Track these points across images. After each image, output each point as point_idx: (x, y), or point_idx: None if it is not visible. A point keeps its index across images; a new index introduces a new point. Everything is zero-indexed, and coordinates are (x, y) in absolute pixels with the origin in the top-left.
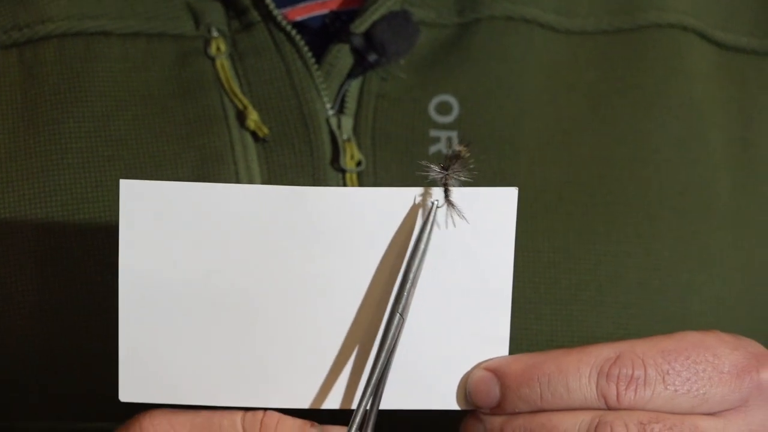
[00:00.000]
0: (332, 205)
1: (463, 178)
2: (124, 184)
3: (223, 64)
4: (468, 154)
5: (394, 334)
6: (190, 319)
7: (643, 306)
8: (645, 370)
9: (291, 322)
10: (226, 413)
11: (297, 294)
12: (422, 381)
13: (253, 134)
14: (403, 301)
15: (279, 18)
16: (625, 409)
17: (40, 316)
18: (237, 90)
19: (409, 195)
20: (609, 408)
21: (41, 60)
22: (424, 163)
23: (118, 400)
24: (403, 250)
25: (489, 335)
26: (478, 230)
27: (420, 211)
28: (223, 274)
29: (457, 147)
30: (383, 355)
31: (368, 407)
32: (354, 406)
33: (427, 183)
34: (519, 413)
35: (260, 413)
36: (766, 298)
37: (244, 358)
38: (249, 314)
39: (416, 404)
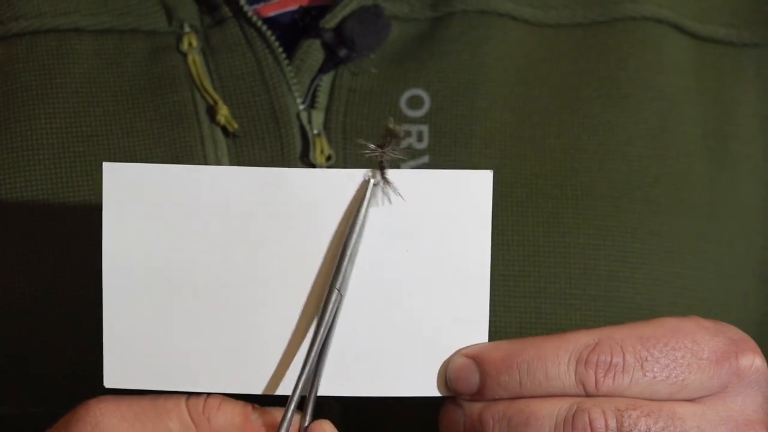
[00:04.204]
0: (308, 185)
1: (398, 156)
2: (107, 166)
3: (195, 59)
4: (402, 133)
5: (332, 310)
6: (172, 303)
7: (612, 298)
8: (623, 357)
9: (270, 307)
10: (170, 396)
11: (275, 278)
12: (401, 368)
13: (224, 129)
14: (340, 277)
15: (250, 14)
16: (603, 396)
17: (6, 309)
18: (208, 85)
19: (359, 176)
20: (587, 395)
21: (14, 57)
22: (359, 141)
23: (97, 386)
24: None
25: (468, 321)
26: (455, 214)
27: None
28: (203, 257)
29: (390, 125)
30: (322, 330)
31: (310, 386)
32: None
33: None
34: (498, 400)
35: (204, 396)
36: (739, 288)
37: (226, 344)
38: (230, 298)
39: (395, 391)
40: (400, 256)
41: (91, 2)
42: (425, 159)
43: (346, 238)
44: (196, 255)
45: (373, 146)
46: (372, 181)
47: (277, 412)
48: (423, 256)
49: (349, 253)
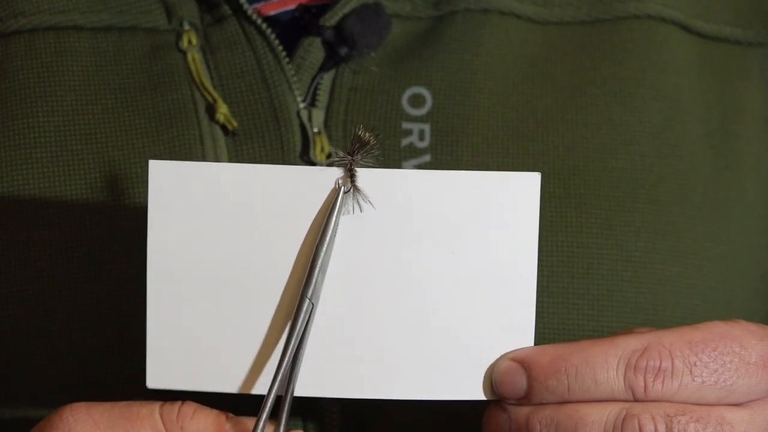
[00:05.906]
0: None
1: (368, 164)
2: (153, 165)
3: (194, 57)
4: (373, 141)
5: (303, 319)
6: (214, 303)
7: (614, 297)
8: (672, 362)
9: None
10: (144, 403)
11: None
12: (446, 371)
13: (223, 127)
14: (311, 286)
15: (249, 12)
16: (652, 401)
17: (2, 309)
18: (207, 83)
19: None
20: (636, 400)
21: (12, 54)
22: (332, 149)
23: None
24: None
25: (513, 325)
26: (501, 217)
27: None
28: (247, 257)
29: (360, 132)
30: (293, 340)
31: (285, 390)
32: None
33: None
34: (545, 404)
35: (178, 403)
36: (743, 288)
37: (269, 346)
38: (270, 299)
39: (441, 395)
40: (445, 258)
41: (90, 0)
42: (427, 158)
43: (317, 245)
44: (241, 254)
45: (342, 153)
46: (342, 188)
47: (250, 422)
48: (468, 259)
49: (320, 260)
